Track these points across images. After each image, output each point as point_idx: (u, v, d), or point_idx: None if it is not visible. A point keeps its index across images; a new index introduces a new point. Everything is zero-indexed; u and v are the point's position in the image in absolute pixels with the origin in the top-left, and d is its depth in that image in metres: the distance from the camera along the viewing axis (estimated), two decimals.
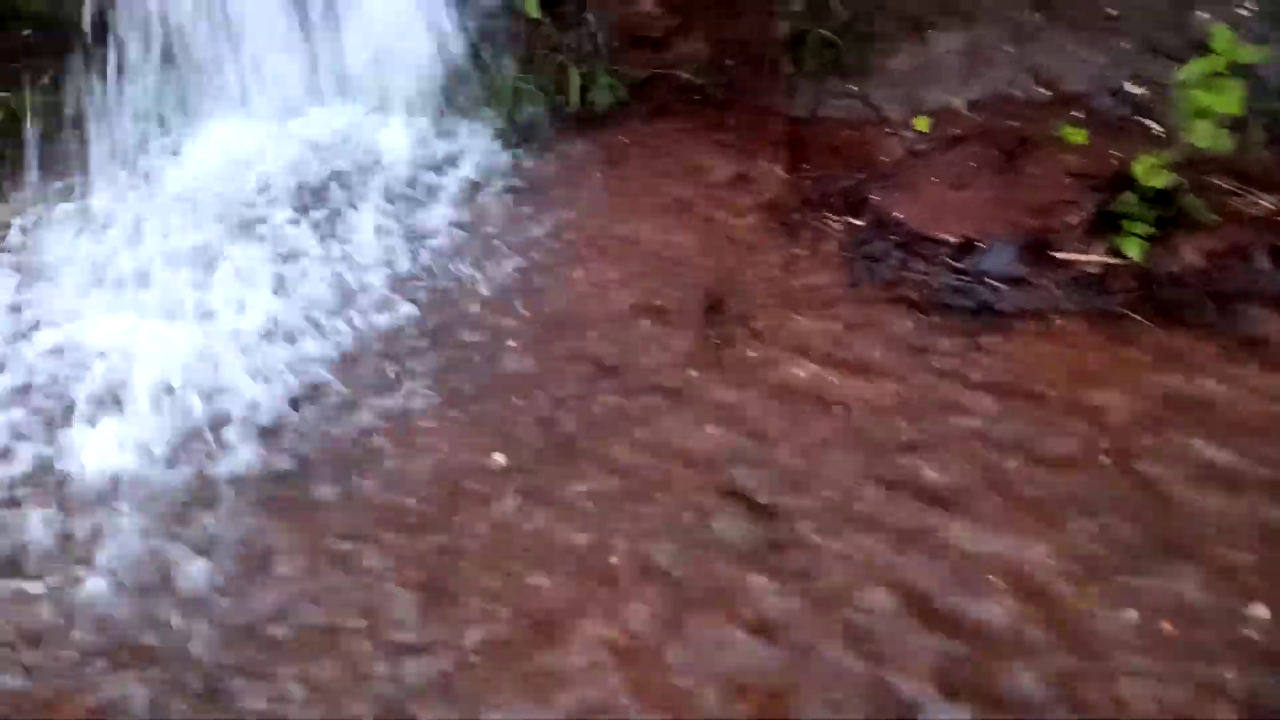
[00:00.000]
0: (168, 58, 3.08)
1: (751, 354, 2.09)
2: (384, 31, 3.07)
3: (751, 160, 2.64)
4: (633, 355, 2.13)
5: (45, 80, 3.26)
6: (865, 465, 1.85)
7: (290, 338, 2.23)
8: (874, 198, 2.40)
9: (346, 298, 2.34)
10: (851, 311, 2.15)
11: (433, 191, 2.73)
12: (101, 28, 3.28)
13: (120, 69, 3.10)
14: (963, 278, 2.18)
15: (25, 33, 3.39)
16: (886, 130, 2.60)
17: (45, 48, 3.31)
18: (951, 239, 2.25)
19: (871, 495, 1.80)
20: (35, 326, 2.28)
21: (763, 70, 2.81)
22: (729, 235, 2.39)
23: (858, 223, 2.36)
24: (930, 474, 1.82)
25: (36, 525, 1.86)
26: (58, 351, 2.21)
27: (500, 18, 2.99)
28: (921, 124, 2.53)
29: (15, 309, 2.33)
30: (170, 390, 2.10)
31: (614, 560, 1.74)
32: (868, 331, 2.10)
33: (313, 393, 2.10)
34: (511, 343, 2.20)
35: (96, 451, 1.99)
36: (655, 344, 2.15)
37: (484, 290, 2.34)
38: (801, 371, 2.05)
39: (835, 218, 2.38)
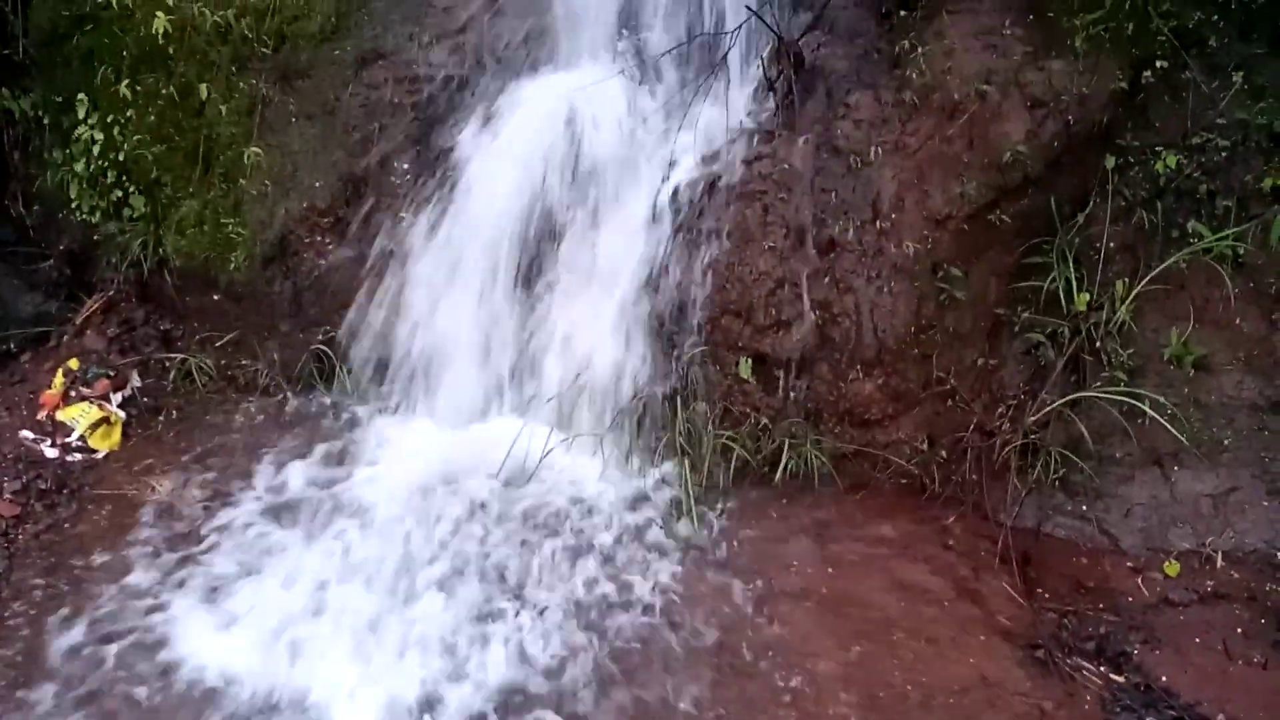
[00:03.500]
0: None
1: None
2: (581, 358, 3.04)
3: (976, 572, 2.44)
4: None
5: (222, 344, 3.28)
6: None
7: None
8: (1134, 650, 2.17)
9: None
10: None
11: (622, 555, 2.59)
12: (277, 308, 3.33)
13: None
14: None
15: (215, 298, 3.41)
16: (1128, 565, 2.41)
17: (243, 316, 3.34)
18: None
19: None
20: None
21: (981, 470, 2.68)
22: (970, 667, 2.15)
23: (1118, 679, 2.12)
24: None
25: None
26: None
27: (704, 367, 2.93)
28: (1172, 569, 2.35)
29: None
30: None
31: None
32: None
33: None
34: None
35: None
36: None
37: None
38: None
39: (1091, 667, 2.14)
